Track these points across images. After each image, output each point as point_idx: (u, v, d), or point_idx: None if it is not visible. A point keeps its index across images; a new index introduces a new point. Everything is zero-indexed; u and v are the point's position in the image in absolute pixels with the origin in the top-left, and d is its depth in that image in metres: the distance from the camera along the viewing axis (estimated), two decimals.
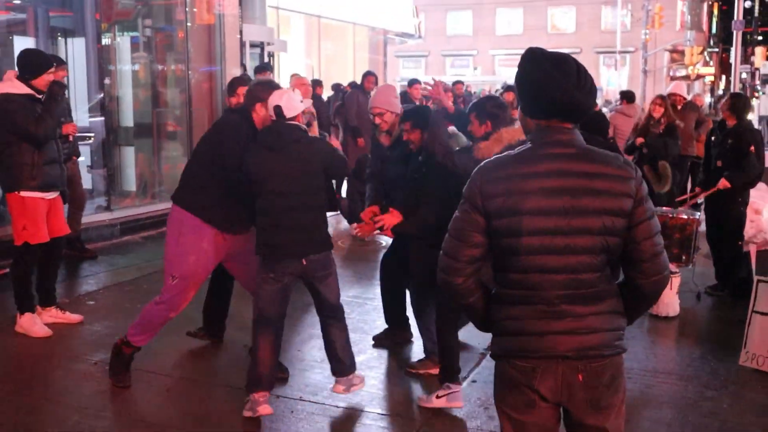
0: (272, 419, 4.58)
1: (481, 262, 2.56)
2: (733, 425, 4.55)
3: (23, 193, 5.75)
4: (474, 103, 4.93)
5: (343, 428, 4.54)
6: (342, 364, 4.79)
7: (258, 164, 4.44)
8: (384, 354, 5.66)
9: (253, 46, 15.50)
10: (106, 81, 10.09)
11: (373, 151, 5.95)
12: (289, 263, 4.49)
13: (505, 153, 2.58)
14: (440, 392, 4.74)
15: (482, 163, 2.56)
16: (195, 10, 11.98)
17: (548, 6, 49.40)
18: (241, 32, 12.78)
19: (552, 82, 2.44)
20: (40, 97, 5.78)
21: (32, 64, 5.81)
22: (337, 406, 4.74)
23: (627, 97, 12.47)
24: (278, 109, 4.44)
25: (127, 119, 10.61)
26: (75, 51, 9.33)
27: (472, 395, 4.94)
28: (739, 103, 7.10)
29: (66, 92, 7.85)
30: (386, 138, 5.43)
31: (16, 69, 5.86)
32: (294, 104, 4.48)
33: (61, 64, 7.59)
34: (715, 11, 54.68)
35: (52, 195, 5.96)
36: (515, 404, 2.54)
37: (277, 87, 4.71)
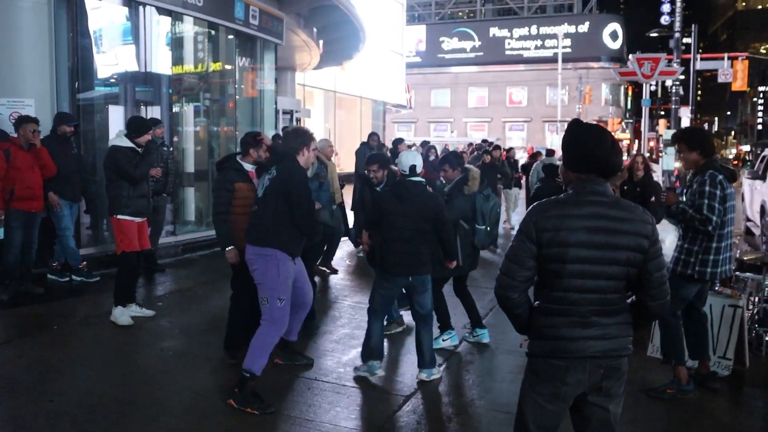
0: (293, 394, 4.56)
1: (531, 281, 2.51)
2: (643, 401, 4.55)
3: (119, 217, 5.92)
4: (443, 157, 5.94)
5: (348, 400, 4.50)
6: (424, 359, 4.82)
7: (385, 207, 4.64)
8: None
9: (285, 113, 15.66)
10: (175, 138, 10.15)
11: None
12: (399, 279, 4.70)
13: (553, 198, 2.54)
14: (444, 337, 5.47)
15: (535, 204, 2.52)
16: (242, 86, 12.10)
17: (507, 86, 49.85)
18: (276, 102, 12.89)
19: (595, 147, 2.46)
20: (140, 149, 6.01)
21: (138, 127, 6.08)
22: (344, 385, 4.71)
23: None
24: (414, 168, 4.69)
25: (189, 166, 10.65)
26: (153, 116, 9.42)
27: (445, 378, 4.94)
28: (646, 160, 7.24)
29: (165, 146, 8.03)
30: None
31: (125, 128, 6.19)
32: (420, 163, 4.79)
33: (158, 123, 7.78)
34: (630, 92, 55.19)
35: (140, 219, 6.11)
36: (544, 393, 2.51)
37: (308, 133, 4.58)
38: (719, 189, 4.33)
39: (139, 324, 5.98)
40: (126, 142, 5.97)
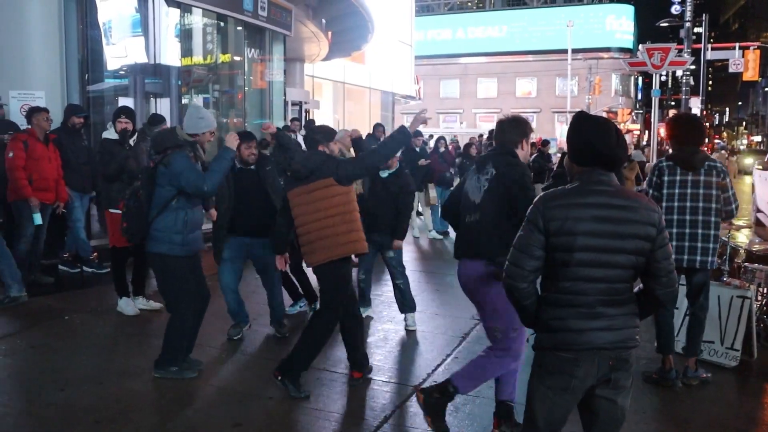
0: (304, 384, 4.57)
1: (539, 271, 2.49)
2: (650, 392, 4.53)
3: (111, 211, 5.97)
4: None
5: (355, 391, 4.52)
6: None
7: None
8: (389, 336, 5.67)
9: (293, 104, 15.67)
10: None
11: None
12: None
13: (559, 188, 2.53)
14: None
15: (542, 194, 2.52)
16: (251, 77, 12.11)
17: (516, 77, 49.51)
18: (285, 94, 12.89)
19: (599, 140, 2.46)
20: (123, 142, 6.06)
21: (113, 115, 6.15)
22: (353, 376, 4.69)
23: None
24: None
25: None
26: (162, 108, 9.46)
27: (452, 368, 4.95)
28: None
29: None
30: None
31: None
32: None
33: (162, 120, 6.94)
34: (640, 83, 54.78)
35: None
36: (554, 386, 2.49)
37: (528, 123, 4.02)
38: (655, 175, 4.53)
39: (146, 314, 6.02)
40: (112, 135, 6.00)
